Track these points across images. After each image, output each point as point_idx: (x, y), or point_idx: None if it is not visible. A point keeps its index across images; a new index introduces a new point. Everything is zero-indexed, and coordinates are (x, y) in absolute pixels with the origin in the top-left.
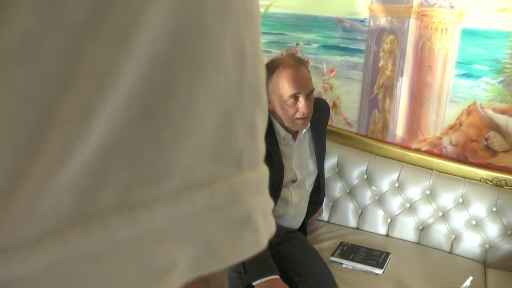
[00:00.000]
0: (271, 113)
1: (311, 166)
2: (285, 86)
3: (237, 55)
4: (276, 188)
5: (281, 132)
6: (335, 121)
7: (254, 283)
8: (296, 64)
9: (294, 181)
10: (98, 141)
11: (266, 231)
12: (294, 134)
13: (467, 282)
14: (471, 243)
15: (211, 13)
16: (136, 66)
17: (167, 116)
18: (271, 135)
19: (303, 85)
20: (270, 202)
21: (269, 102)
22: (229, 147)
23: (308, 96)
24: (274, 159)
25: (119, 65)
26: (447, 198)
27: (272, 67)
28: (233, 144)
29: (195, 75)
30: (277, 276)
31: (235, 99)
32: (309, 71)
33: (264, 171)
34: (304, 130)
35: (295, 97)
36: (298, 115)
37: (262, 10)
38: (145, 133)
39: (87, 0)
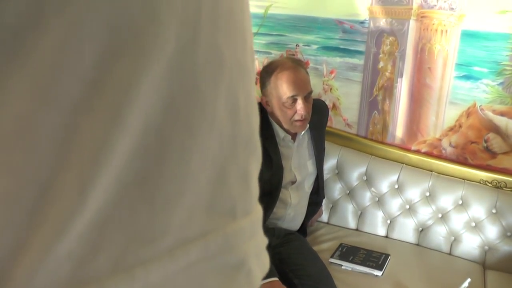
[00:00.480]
0: (270, 114)
1: (310, 167)
2: (283, 88)
3: (230, 109)
4: (275, 189)
5: (280, 133)
6: (334, 122)
7: None
8: (294, 66)
9: (293, 182)
10: (94, 211)
11: (259, 270)
12: (293, 135)
13: (465, 284)
14: (470, 245)
15: (204, 74)
16: (130, 138)
17: (161, 180)
18: (270, 137)
19: (301, 87)
20: (263, 240)
21: (268, 104)
22: (223, 199)
23: (306, 98)
24: (273, 160)
25: (113, 139)
26: (447, 199)
27: (270, 69)
28: (227, 195)
29: (188, 138)
30: (276, 279)
31: (229, 153)
32: (307, 73)
33: (257, 212)
34: (303, 131)
35: (293, 99)
36: (296, 117)
37: (261, 11)
38: (139, 198)
39: (82, 78)
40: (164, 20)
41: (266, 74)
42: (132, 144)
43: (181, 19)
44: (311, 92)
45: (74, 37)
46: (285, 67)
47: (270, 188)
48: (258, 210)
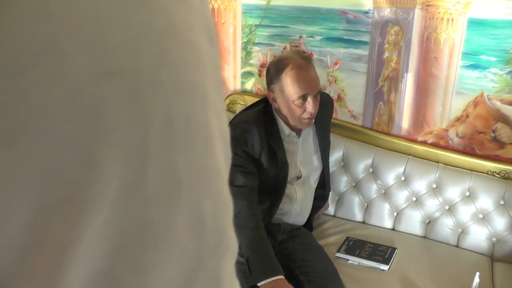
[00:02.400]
0: (276, 111)
1: (316, 162)
2: (294, 86)
3: (193, 224)
4: (280, 185)
5: (285, 130)
6: (340, 114)
7: (259, 284)
8: (305, 64)
9: (298, 177)
10: None
11: None
12: (298, 131)
13: (476, 279)
14: (478, 237)
15: (157, 203)
16: None
17: None
18: (275, 133)
19: (312, 86)
20: None
21: (275, 101)
22: None
23: (315, 96)
24: (278, 157)
25: None
26: (454, 191)
27: (280, 66)
28: None
29: (142, 273)
30: (282, 276)
31: (194, 265)
32: (315, 68)
33: None
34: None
35: (304, 98)
36: (305, 115)
37: (264, 2)
38: None
39: (11, 244)
40: (101, 162)
41: (276, 71)
42: None
43: (124, 154)
44: (320, 89)
45: None
46: (296, 65)
47: (276, 185)
48: None
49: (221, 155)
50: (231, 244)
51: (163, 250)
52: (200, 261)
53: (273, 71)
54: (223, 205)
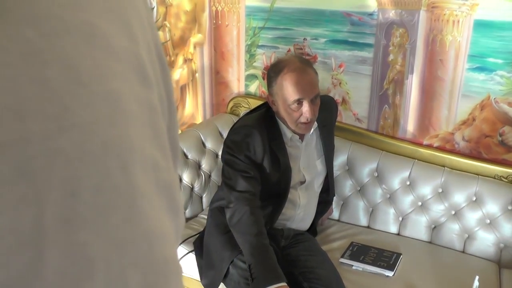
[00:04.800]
0: (277, 114)
1: (320, 166)
2: (289, 90)
3: None
4: (283, 191)
5: (287, 133)
6: (344, 117)
7: None
8: (301, 66)
9: (302, 182)
10: None
11: None
12: (301, 135)
13: (476, 282)
14: (485, 242)
15: None
16: None
17: None
18: (278, 137)
19: (307, 90)
20: None
21: (274, 104)
22: None
23: (312, 100)
24: (281, 161)
25: None
26: (460, 196)
27: (277, 69)
28: None
29: None
30: (284, 284)
31: None
32: (316, 72)
33: None
34: (312, 130)
35: (299, 102)
36: (302, 119)
37: (268, 4)
38: None
39: None
40: None
41: (273, 73)
42: None
43: (11, 243)
44: (318, 94)
45: None
46: (292, 68)
47: (279, 189)
48: None
49: (161, 212)
50: None
51: None
52: None
53: (271, 74)
54: (158, 271)
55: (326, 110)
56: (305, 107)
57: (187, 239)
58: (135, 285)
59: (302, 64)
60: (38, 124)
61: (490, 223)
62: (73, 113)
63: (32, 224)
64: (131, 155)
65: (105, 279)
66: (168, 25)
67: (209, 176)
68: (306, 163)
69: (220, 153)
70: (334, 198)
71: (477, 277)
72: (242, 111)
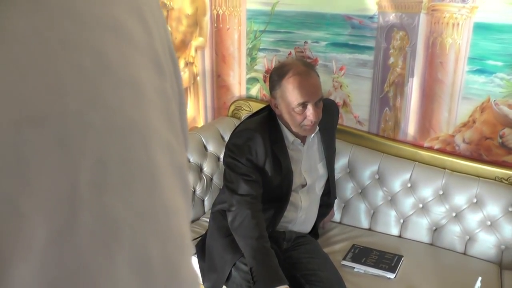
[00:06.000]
0: (279, 117)
1: (321, 169)
2: (294, 94)
3: (138, 267)
4: (285, 194)
5: (289, 137)
6: (345, 120)
7: None
8: (306, 70)
9: (303, 185)
10: None
11: None
12: (303, 138)
13: (478, 283)
14: (486, 244)
15: (93, 250)
16: None
17: None
18: (279, 140)
19: (312, 94)
20: None
21: (277, 107)
22: None
23: (316, 103)
24: (282, 164)
25: None
26: (461, 198)
27: (281, 72)
28: None
29: None
30: (286, 286)
31: None
32: (318, 75)
33: None
34: (313, 134)
35: (303, 105)
36: (306, 122)
37: (268, 8)
38: None
39: None
40: (25, 212)
41: (277, 77)
42: None
43: (51, 202)
44: (322, 97)
45: None
46: (296, 72)
47: (280, 193)
48: None
49: (175, 191)
50: (186, 282)
51: None
52: None
53: (274, 78)
54: (175, 243)
55: (328, 113)
56: (310, 111)
57: None
58: (155, 254)
59: (306, 68)
60: (75, 101)
61: (491, 225)
62: (103, 94)
63: (68, 187)
64: (152, 135)
65: (130, 243)
66: (169, 28)
67: (211, 179)
68: (307, 166)
69: (221, 156)
70: (336, 200)
71: (479, 278)
72: (244, 114)
